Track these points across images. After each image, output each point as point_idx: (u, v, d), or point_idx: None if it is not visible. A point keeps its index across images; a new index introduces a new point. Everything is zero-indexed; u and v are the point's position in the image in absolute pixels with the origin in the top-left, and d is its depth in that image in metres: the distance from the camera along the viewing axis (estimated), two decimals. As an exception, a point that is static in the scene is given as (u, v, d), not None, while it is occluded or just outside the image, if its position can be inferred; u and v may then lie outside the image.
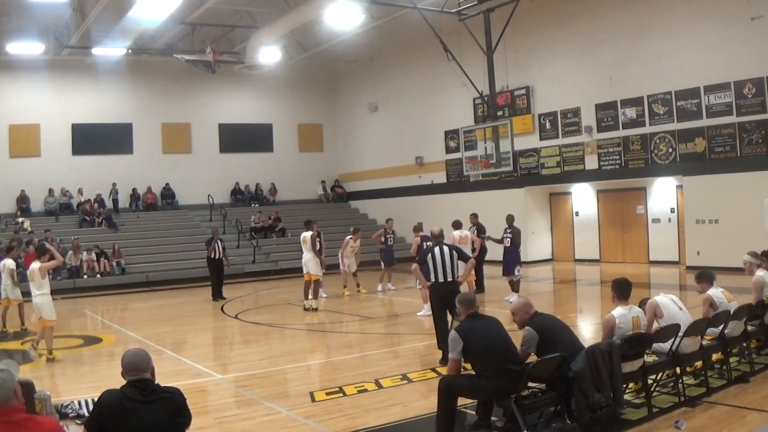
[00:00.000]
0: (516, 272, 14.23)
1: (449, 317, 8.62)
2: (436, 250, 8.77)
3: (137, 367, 3.78)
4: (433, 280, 8.74)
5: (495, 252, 15.43)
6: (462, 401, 5.78)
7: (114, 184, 25.05)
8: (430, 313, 12.30)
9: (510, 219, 14.81)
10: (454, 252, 8.82)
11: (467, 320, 5.75)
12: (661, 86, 17.88)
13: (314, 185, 29.31)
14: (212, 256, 16.89)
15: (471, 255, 13.56)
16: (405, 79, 25.90)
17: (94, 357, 10.70)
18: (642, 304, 6.66)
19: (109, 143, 25.44)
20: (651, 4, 17.99)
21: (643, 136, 18.56)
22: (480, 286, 15.25)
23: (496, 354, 5.43)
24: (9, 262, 12.98)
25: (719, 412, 6.11)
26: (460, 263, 8.94)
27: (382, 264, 17.30)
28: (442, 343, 8.46)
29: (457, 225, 14.15)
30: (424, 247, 12.46)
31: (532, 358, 5.68)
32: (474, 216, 15.53)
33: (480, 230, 15.24)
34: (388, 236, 17.44)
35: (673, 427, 5.72)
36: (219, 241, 17.13)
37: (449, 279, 8.66)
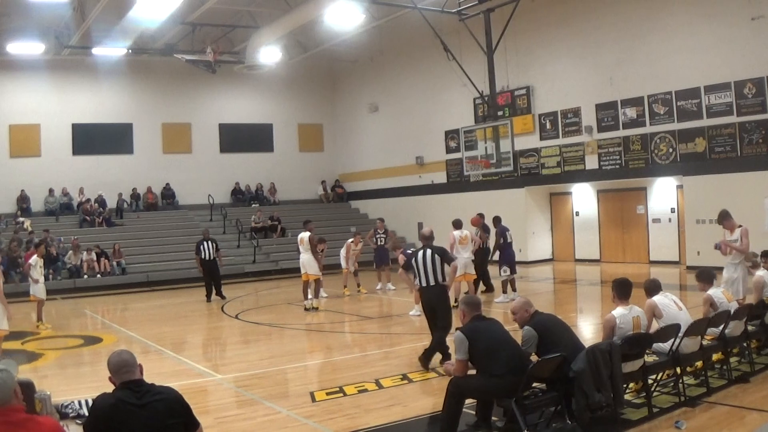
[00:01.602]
0: (500, 273, 14.26)
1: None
2: (420, 254, 8.55)
3: (128, 363, 3.76)
4: (417, 284, 8.59)
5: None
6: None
7: (120, 195, 25.07)
8: (419, 313, 12.39)
9: (495, 220, 14.95)
10: (437, 255, 8.48)
11: (472, 321, 5.73)
12: (662, 86, 17.87)
13: (314, 185, 29.29)
14: (204, 257, 16.76)
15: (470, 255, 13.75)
16: (405, 79, 25.88)
17: (95, 357, 10.67)
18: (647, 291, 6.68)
19: (109, 143, 25.44)
20: (651, 5, 17.98)
21: (643, 136, 18.55)
22: (488, 285, 15.21)
23: (503, 351, 5.44)
24: (34, 259, 13.19)
25: (719, 412, 6.10)
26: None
27: (374, 264, 17.41)
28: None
29: (458, 225, 14.05)
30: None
31: (533, 358, 5.68)
32: (480, 216, 15.40)
33: (485, 231, 15.18)
34: (378, 236, 17.46)
35: (674, 427, 5.72)
36: (208, 242, 16.94)
37: (432, 283, 8.40)
